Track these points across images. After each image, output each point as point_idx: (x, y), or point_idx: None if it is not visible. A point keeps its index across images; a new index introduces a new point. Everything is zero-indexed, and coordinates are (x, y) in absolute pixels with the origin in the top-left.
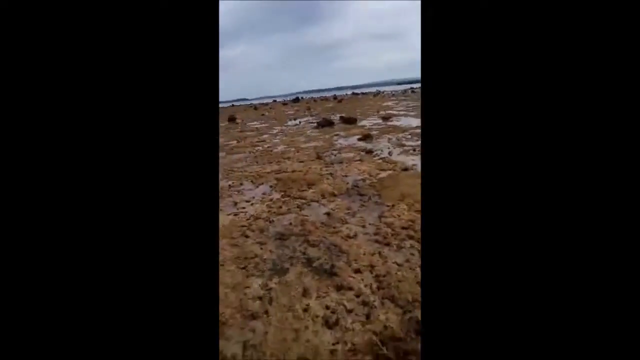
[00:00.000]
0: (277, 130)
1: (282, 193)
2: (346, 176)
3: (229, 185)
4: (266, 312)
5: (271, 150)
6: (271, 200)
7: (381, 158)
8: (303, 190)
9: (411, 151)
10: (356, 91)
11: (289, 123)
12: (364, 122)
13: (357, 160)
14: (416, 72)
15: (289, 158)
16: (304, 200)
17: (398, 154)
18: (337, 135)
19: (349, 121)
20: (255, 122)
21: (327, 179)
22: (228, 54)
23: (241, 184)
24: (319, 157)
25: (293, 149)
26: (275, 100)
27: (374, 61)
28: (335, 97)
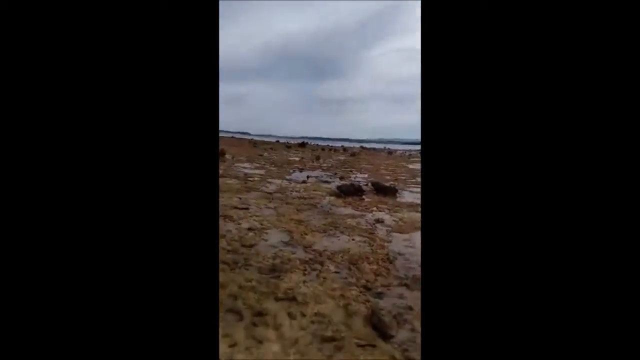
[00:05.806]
0: (273, 188)
1: None
2: None
3: None
4: None
5: (248, 246)
6: None
7: None
8: None
9: None
10: (364, 145)
11: (293, 175)
12: (405, 195)
13: None
14: (418, 134)
15: (291, 294)
16: None
17: None
18: (379, 222)
19: (385, 191)
20: (246, 165)
21: None
22: (240, 89)
23: None
24: (370, 315)
25: (299, 256)
26: (278, 141)
27: (382, 120)
28: (344, 149)
